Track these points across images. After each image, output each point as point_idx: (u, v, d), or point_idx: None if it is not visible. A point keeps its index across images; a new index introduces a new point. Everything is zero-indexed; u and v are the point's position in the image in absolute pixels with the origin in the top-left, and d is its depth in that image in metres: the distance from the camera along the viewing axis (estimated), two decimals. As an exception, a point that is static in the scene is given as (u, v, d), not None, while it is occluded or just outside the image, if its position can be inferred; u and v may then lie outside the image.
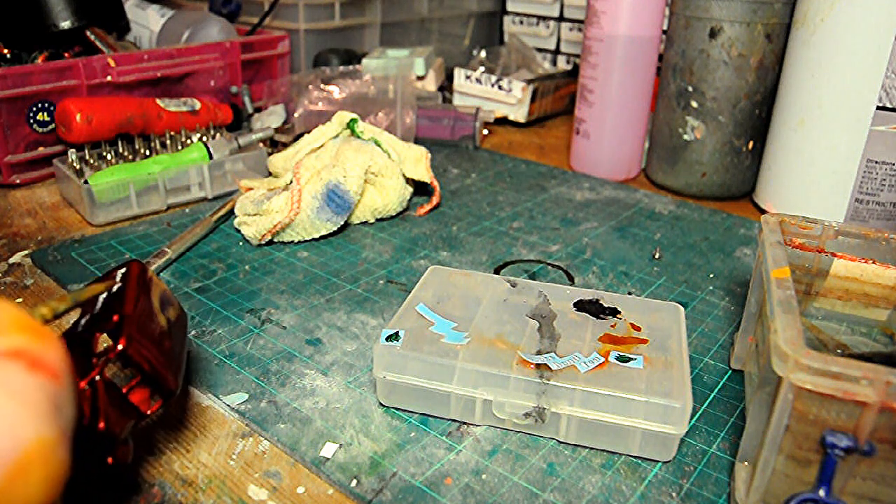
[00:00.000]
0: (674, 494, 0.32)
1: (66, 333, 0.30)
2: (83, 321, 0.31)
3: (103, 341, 0.30)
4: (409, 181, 0.62)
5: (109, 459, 0.28)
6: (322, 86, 0.80)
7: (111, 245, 0.55)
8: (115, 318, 0.30)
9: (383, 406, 0.37)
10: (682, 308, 0.41)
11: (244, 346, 0.42)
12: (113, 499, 0.31)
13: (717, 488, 0.33)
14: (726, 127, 0.67)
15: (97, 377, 0.28)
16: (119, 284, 0.32)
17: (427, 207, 0.63)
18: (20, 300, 0.47)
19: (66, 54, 0.74)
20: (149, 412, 0.31)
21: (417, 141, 0.82)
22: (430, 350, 0.36)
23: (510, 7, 1.18)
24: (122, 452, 0.29)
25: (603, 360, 0.36)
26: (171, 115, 0.71)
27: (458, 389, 0.35)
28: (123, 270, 0.33)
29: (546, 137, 0.91)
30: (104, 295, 0.31)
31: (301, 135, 0.74)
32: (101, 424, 0.28)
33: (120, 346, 0.29)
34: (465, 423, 0.36)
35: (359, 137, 0.61)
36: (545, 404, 0.34)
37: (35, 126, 0.65)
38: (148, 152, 0.67)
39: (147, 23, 0.85)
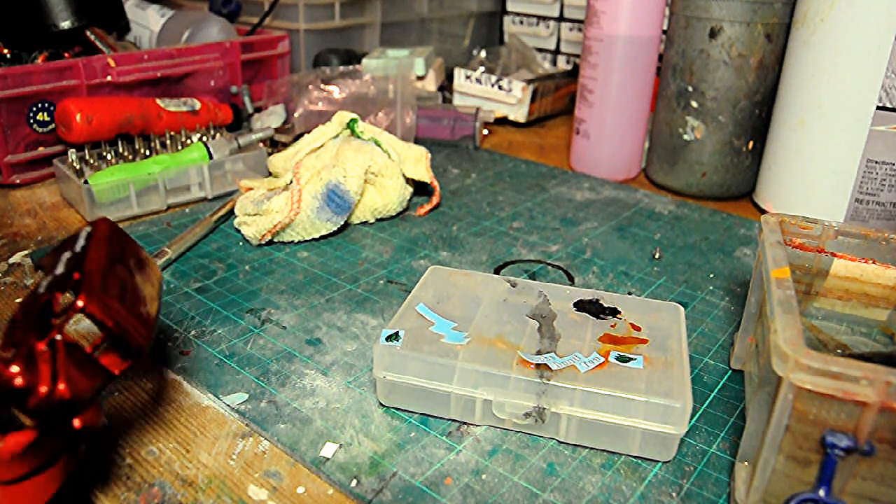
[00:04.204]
0: (674, 494, 0.32)
1: (27, 296, 0.28)
2: (44, 282, 0.29)
3: (66, 301, 0.28)
4: (409, 181, 0.62)
5: (77, 422, 0.27)
6: (322, 86, 0.80)
7: (111, 245, 0.55)
8: (77, 275, 0.28)
9: (383, 406, 0.37)
10: (682, 308, 0.41)
11: (244, 346, 0.42)
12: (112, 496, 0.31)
13: (717, 488, 0.33)
14: (726, 127, 0.67)
15: (57, 337, 0.26)
16: (83, 243, 0.30)
17: (427, 207, 0.63)
18: (20, 300, 0.47)
19: (66, 54, 0.74)
20: (118, 372, 0.29)
21: (417, 141, 0.82)
22: (430, 350, 0.36)
23: (510, 7, 1.18)
24: (91, 415, 0.28)
25: (603, 360, 0.36)
26: (171, 115, 0.71)
27: (458, 389, 0.35)
28: (89, 229, 0.31)
29: (546, 137, 0.91)
30: (67, 255, 0.29)
31: (301, 135, 0.74)
32: (62, 387, 0.26)
33: (80, 303, 0.27)
34: (465, 423, 0.36)
35: (359, 137, 0.61)
36: (545, 404, 0.34)
37: (35, 126, 0.65)
38: (148, 152, 0.67)
39: (147, 23, 0.85)
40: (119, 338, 0.28)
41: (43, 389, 0.25)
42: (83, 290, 0.27)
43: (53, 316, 0.27)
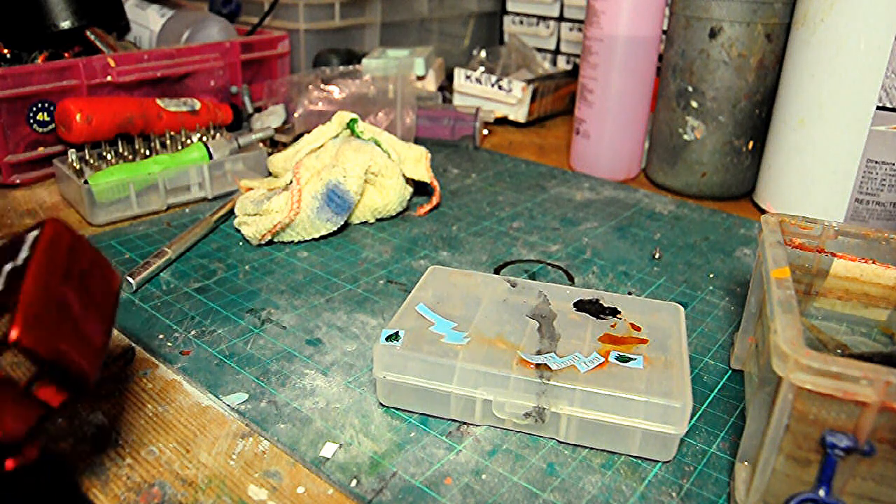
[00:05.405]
0: (674, 494, 0.32)
1: None
2: None
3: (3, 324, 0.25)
4: (409, 181, 0.62)
5: (9, 464, 0.25)
6: (322, 86, 0.80)
7: (111, 245, 0.55)
8: (13, 299, 0.25)
9: (383, 406, 0.37)
10: (682, 308, 0.41)
11: (244, 346, 0.42)
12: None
13: (717, 488, 0.33)
14: (726, 127, 0.67)
15: None
16: (26, 254, 0.26)
17: (427, 207, 0.63)
18: None
19: (66, 54, 0.74)
20: (57, 405, 0.26)
21: (417, 141, 0.82)
22: (430, 350, 0.36)
23: (510, 7, 1.18)
24: (25, 453, 0.25)
25: (603, 360, 0.36)
26: (171, 115, 0.71)
27: (458, 389, 0.35)
28: (36, 233, 0.27)
29: (546, 137, 0.91)
30: (8, 267, 0.26)
31: (301, 135, 0.74)
32: None
33: (13, 335, 0.24)
34: (465, 423, 0.36)
35: (359, 137, 0.61)
36: (545, 404, 0.34)
37: (35, 126, 0.65)
38: (148, 152, 0.67)
39: (147, 23, 0.85)
40: (59, 370, 0.25)
41: None
42: (16, 320, 0.24)
43: None
